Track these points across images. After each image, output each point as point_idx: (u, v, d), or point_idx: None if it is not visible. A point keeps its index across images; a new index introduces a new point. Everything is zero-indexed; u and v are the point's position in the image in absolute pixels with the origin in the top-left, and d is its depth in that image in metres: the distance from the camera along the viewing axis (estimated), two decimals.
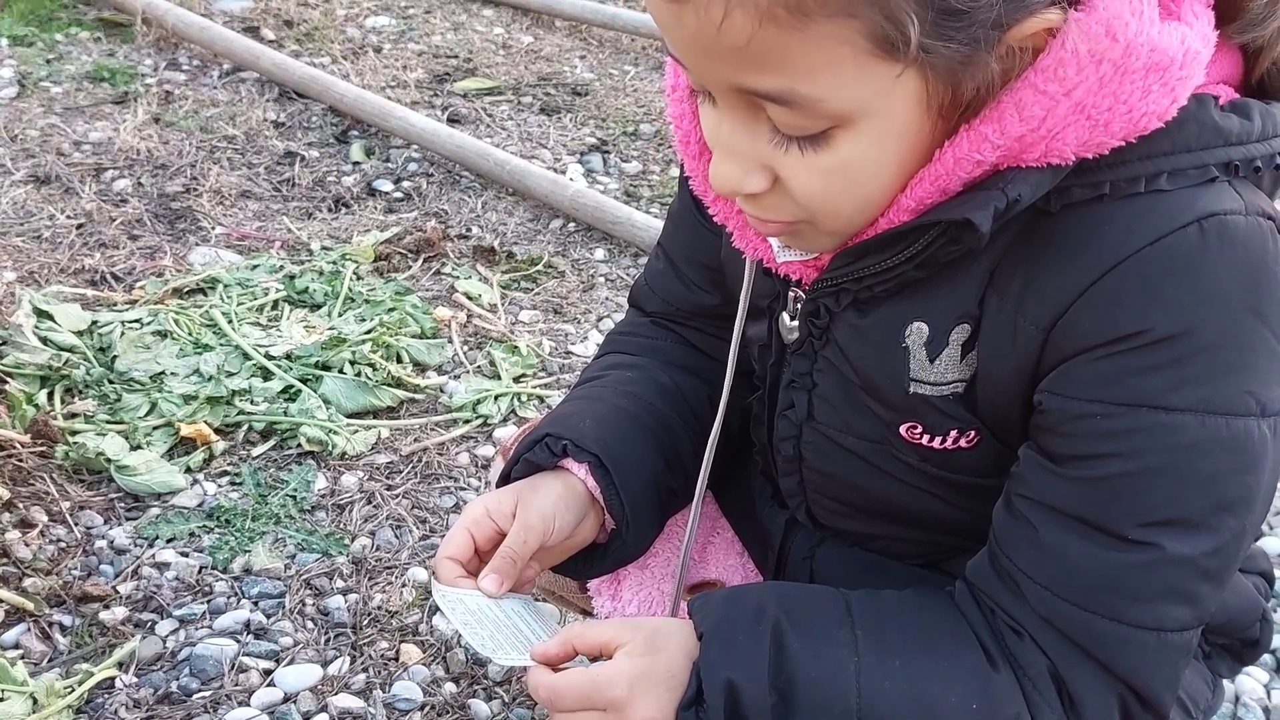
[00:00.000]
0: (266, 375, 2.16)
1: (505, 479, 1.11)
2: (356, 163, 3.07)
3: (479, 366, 2.29)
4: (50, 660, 1.61)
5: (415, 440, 2.08)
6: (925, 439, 0.95)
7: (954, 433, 0.94)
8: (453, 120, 3.34)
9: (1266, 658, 1.76)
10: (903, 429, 0.96)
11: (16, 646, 1.62)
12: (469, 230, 2.79)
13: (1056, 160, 0.79)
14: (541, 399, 2.21)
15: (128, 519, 1.86)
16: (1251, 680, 1.72)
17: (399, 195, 2.94)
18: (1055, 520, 0.85)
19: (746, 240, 0.99)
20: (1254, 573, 1.14)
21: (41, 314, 2.23)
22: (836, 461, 1.04)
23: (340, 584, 1.76)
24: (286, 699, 1.57)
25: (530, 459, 1.08)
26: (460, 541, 1.03)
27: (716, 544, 1.32)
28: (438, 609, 1.72)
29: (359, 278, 2.52)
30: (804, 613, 0.91)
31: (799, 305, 0.99)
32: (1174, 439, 0.81)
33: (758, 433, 1.15)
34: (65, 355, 2.15)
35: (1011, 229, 0.83)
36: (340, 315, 2.37)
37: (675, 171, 3.13)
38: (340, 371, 2.17)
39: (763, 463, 1.19)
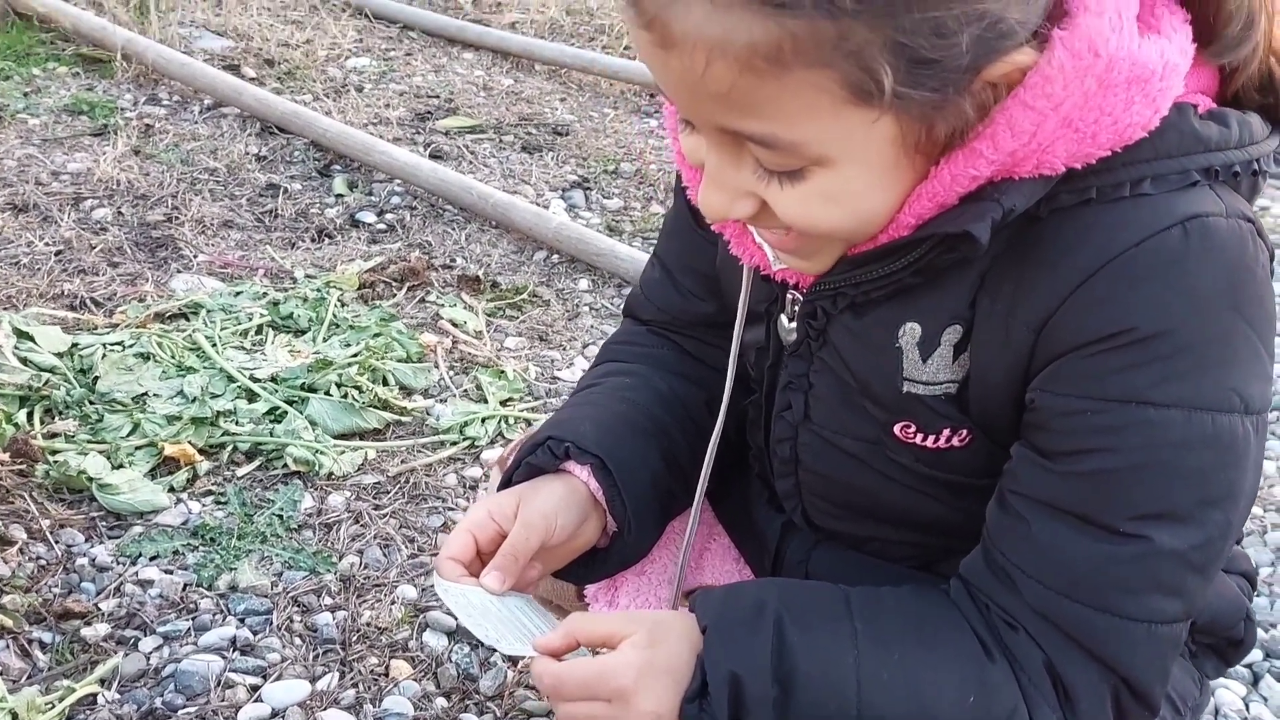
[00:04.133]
0: (251, 397, 2.14)
1: (507, 483, 1.11)
2: (339, 195, 3.07)
3: (465, 390, 2.28)
4: (30, 677, 1.57)
5: (402, 461, 2.06)
6: (919, 438, 0.96)
7: (946, 431, 0.95)
8: (435, 156, 3.35)
9: (1244, 671, 1.77)
10: (897, 428, 0.97)
11: None
12: (453, 261, 2.79)
13: (1048, 171, 0.82)
14: (529, 422, 2.19)
15: (110, 537, 1.82)
16: (1230, 693, 1.73)
17: (382, 227, 2.94)
18: (1048, 515, 0.87)
19: (744, 247, 1.01)
20: (1236, 573, 1.16)
21: (21, 335, 2.20)
22: (832, 463, 1.05)
23: (328, 601, 1.74)
24: (275, 714, 1.54)
25: (532, 462, 1.09)
26: (462, 542, 1.03)
27: (713, 550, 1.31)
28: (442, 605, 1.70)
29: (343, 304, 2.51)
30: (804, 606, 0.92)
31: (797, 307, 1.01)
32: (1161, 434, 0.83)
33: (754, 436, 1.16)
34: (45, 376, 2.12)
35: (1002, 234, 0.85)
36: (325, 340, 2.36)
37: (656, 209, 3.15)
38: (326, 393, 2.15)
39: (759, 466, 1.20)
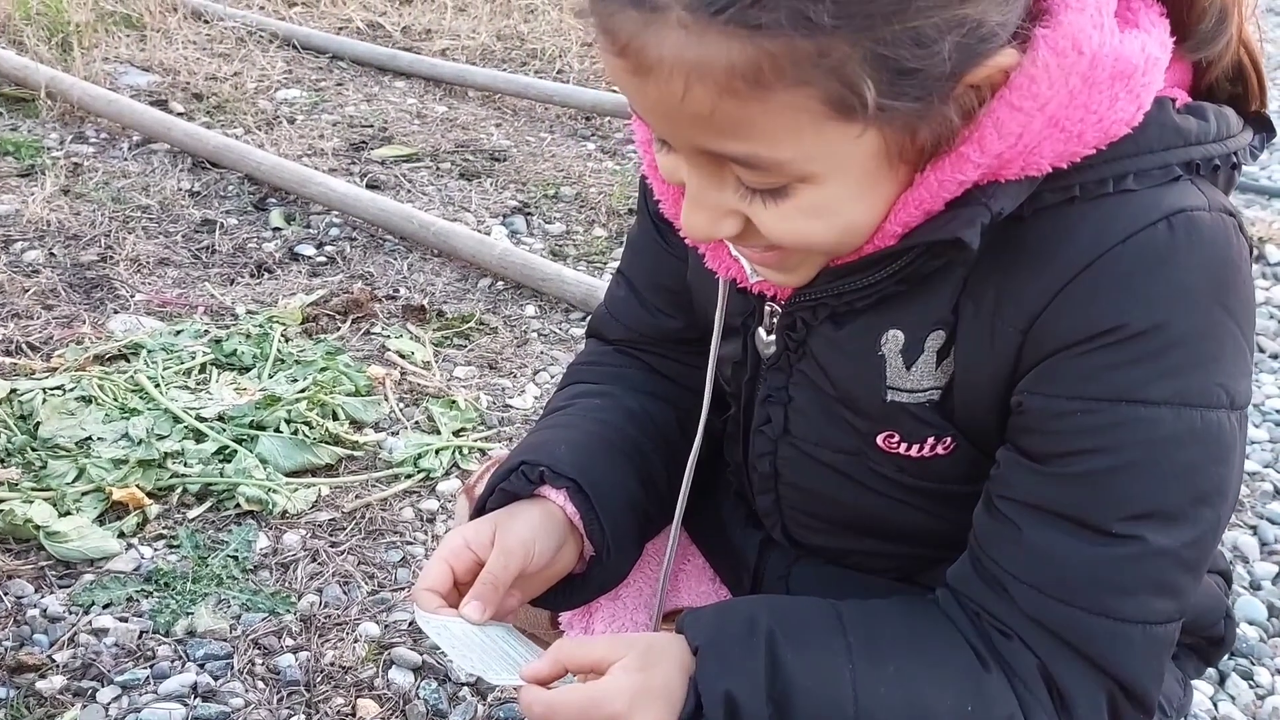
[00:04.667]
0: (199, 437, 2.10)
1: (480, 510, 1.08)
2: (277, 229, 3.04)
3: (417, 422, 2.27)
4: None
5: (357, 497, 2.04)
6: (902, 448, 0.96)
7: (930, 440, 0.94)
8: (372, 186, 3.33)
9: (1210, 670, 1.80)
10: (879, 439, 0.96)
11: None
12: (396, 291, 2.77)
13: (1034, 172, 0.81)
14: (484, 452, 2.18)
15: (60, 586, 1.78)
16: (1198, 693, 1.76)
17: (322, 259, 2.91)
18: (1039, 519, 0.86)
19: (719, 260, 1.00)
20: (1214, 571, 1.16)
21: None
22: (813, 476, 1.04)
23: (290, 642, 1.71)
24: None
25: (506, 488, 1.06)
26: (439, 573, 1.00)
27: (688, 571, 1.30)
28: (407, 642, 1.68)
29: (287, 340, 2.48)
30: (796, 622, 0.91)
31: (775, 319, 0.99)
32: (1153, 432, 0.82)
33: (732, 452, 1.15)
34: None
35: (985, 236, 0.85)
36: (271, 376, 2.32)
37: (599, 232, 3.15)
38: (276, 430, 2.12)
39: (737, 483, 1.19)
